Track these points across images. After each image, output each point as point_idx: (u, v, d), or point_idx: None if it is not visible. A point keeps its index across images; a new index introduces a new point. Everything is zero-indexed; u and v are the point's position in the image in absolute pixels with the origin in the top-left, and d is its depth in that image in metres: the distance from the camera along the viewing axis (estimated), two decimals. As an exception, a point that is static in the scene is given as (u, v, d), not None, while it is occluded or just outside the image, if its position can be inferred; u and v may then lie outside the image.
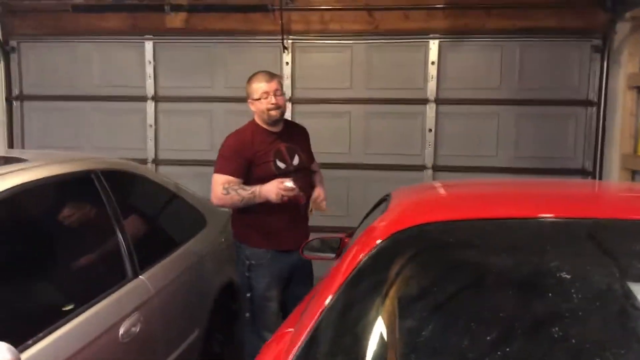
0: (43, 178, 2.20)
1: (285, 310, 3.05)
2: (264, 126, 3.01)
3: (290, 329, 1.82)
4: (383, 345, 1.27)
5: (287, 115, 4.90)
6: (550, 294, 1.26)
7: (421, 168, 4.83)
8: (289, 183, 2.80)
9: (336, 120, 4.92)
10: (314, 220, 5.01)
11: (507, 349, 1.09)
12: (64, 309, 2.05)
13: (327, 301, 1.44)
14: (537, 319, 1.17)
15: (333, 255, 2.98)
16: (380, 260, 1.43)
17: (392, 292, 1.34)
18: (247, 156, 2.92)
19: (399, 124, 4.85)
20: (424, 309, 1.24)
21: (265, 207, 2.86)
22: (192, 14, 4.95)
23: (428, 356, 1.14)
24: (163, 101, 5.14)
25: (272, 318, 2.98)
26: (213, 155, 4.74)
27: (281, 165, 2.95)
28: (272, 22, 4.87)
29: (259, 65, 4.84)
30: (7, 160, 2.39)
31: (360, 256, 1.48)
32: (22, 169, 2.19)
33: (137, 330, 2.31)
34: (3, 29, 5.24)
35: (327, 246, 3.12)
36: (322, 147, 4.76)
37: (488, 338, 1.11)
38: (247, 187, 2.85)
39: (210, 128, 5.08)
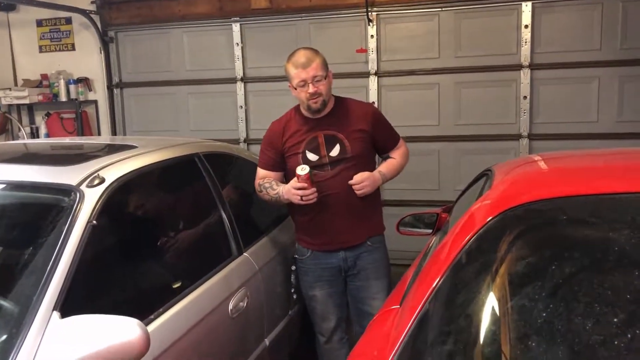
0: (154, 163, 2.34)
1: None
2: (305, 112, 2.65)
3: (395, 306, 1.85)
4: (496, 326, 1.25)
5: (373, 89, 4.92)
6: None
7: (516, 137, 4.65)
8: (302, 170, 2.45)
9: (425, 91, 4.83)
10: (403, 194, 5.00)
11: (638, 331, 1.05)
12: (178, 286, 2.19)
13: (436, 281, 1.44)
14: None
15: (429, 231, 2.96)
16: (491, 239, 1.41)
17: (504, 272, 1.32)
18: (277, 147, 2.66)
19: (490, 92, 4.69)
20: (542, 289, 1.21)
21: (298, 206, 2.57)
22: (276, -7, 5.00)
23: (548, 338, 1.11)
24: (252, 82, 5.27)
25: (318, 321, 2.78)
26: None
27: (312, 157, 2.58)
28: (355, -6, 4.83)
29: (345, 40, 4.88)
30: (119, 148, 2.55)
31: (469, 234, 1.46)
32: (135, 155, 2.33)
33: (245, 305, 2.43)
34: (102, 20, 5.55)
35: (422, 222, 3.10)
36: (410, 120, 4.74)
37: (615, 320, 1.07)
38: (276, 187, 2.62)
39: (299, 106, 5.14)
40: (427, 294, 1.40)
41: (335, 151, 2.58)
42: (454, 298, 1.36)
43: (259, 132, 5.34)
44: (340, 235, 2.63)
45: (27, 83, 5.80)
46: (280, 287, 2.86)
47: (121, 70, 5.67)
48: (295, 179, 2.50)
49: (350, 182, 2.54)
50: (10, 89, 5.69)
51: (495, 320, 1.23)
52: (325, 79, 2.56)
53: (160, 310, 1.99)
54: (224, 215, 2.61)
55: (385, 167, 2.71)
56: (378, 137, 2.69)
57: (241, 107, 5.31)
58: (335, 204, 2.58)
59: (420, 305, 1.40)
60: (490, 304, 1.28)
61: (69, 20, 5.70)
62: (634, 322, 1.08)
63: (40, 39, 5.83)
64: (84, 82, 5.70)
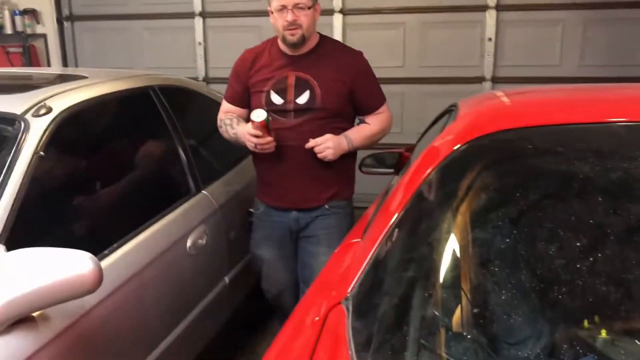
0: (106, 94, 2.22)
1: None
2: (281, 46, 2.34)
3: (356, 239, 1.82)
4: (459, 253, 1.24)
5: (338, 27, 4.78)
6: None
7: (479, 80, 4.62)
8: (257, 117, 2.14)
9: (390, 31, 4.71)
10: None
11: (600, 255, 1.05)
12: (132, 222, 2.10)
13: (400, 211, 1.41)
14: (630, 224, 1.11)
15: (391, 170, 2.95)
16: (456, 168, 1.38)
17: (470, 201, 1.30)
18: (243, 80, 2.38)
19: (456, 33, 4.60)
20: (506, 217, 1.19)
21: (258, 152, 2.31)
22: None
23: (511, 263, 1.10)
24: (211, 17, 5.03)
25: (264, 283, 2.60)
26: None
27: (276, 99, 2.28)
28: None
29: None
30: (68, 78, 2.40)
31: (433, 164, 1.43)
32: (84, 86, 2.20)
33: (204, 242, 2.37)
34: (49, -53, 5.17)
35: (383, 162, 3.08)
36: (374, 61, 4.58)
37: (578, 244, 1.07)
38: (236, 126, 2.36)
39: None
40: (391, 222, 1.38)
41: (303, 98, 2.26)
42: (417, 226, 1.34)
43: (219, 71, 5.16)
44: (293, 193, 2.36)
45: (-32, 14, 5.41)
46: (241, 226, 2.81)
47: (71, 2, 5.34)
48: (250, 123, 2.21)
49: (307, 145, 2.24)
50: (-51, 20, 5.31)
51: (458, 247, 1.22)
52: (309, 9, 2.24)
53: (115, 246, 1.92)
54: (181, 152, 2.51)
55: (354, 132, 2.36)
56: (357, 95, 2.35)
57: (200, 43, 5.09)
58: (292, 158, 2.30)
59: (382, 234, 1.37)
60: (454, 232, 1.26)
61: (12, -55, 5.29)
62: (596, 247, 1.08)
63: (-19, -35, 5.41)
64: (31, 13, 5.35)
